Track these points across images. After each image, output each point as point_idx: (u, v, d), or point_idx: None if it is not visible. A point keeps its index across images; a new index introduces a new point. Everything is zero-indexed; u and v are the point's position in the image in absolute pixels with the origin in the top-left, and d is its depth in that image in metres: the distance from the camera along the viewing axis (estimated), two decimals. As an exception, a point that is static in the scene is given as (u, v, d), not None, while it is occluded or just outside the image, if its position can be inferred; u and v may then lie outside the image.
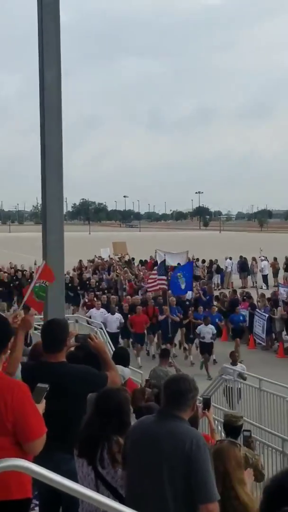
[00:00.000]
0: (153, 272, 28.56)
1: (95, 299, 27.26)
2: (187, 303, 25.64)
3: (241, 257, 43.02)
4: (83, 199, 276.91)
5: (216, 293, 30.67)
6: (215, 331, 22.48)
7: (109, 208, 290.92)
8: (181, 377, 4.69)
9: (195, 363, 22.67)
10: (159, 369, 13.32)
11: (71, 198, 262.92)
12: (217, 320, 23.94)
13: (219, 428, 9.56)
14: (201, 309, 24.82)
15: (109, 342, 18.75)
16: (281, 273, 41.65)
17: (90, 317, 23.16)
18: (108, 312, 23.97)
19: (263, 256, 42.66)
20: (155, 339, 24.63)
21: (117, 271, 37.84)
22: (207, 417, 7.71)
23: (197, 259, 43.10)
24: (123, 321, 23.62)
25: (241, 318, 24.79)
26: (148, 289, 27.16)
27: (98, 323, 21.85)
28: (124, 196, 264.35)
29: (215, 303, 26.94)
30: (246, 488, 4.82)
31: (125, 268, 39.15)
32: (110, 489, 4.59)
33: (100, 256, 45.71)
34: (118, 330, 23.47)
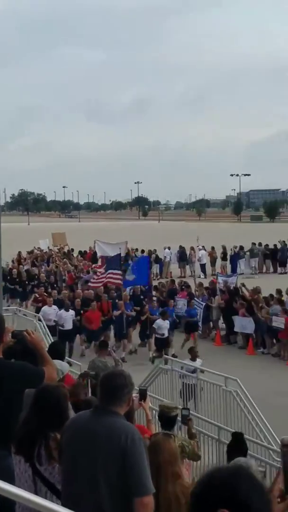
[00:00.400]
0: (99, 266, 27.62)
1: (45, 294, 26.12)
2: (141, 297, 24.57)
3: (180, 246, 43.19)
4: (22, 189, 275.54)
5: (155, 283, 30.75)
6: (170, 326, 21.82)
7: (48, 199, 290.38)
8: (117, 373, 4.73)
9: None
10: (98, 360, 13.33)
11: (9, 189, 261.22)
12: (173, 314, 23.21)
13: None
14: (155, 304, 23.77)
15: (48, 335, 18.70)
16: (219, 262, 42.04)
17: (43, 315, 21.73)
18: (61, 308, 22.81)
19: (201, 246, 42.99)
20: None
21: (57, 262, 37.65)
22: (143, 408, 7.75)
23: (136, 249, 43.20)
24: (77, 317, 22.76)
25: (196, 311, 23.68)
26: (94, 284, 25.77)
27: (51, 322, 21.51)
28: (63, 187, 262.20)
29: (154, 292, 26.96)
30: (182, 480, 4.88)
31: (65, 259, 39.00)
32: (48, 486, 4.59)
33: (39, 248, 45.34)
34: (71, 327, 22.28)
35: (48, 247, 45.33)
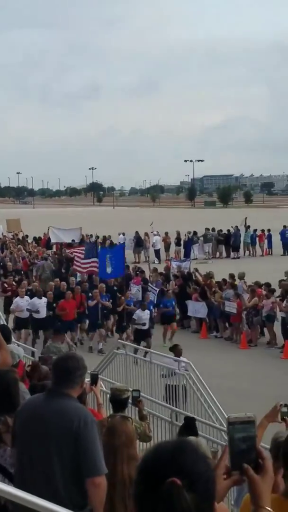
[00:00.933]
0: (78, 252, 26.37)
1: (13, 283, 24.67)
2: (115, 288, 23.29)
3: (136, 232, 43.13)
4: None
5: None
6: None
7: (2, 185, 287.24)
8: (70, 356, 4.75)
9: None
10: (52, 346, 13.34)
11: None
12: (151, 306, 22.02)
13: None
14: (128, 295, 22.66)
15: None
16: (173, 247, 42.17)
17: (15, 307, 21.36)
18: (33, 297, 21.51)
19: (156, 231, 43.06)
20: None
21: (11, 249, 37.39)
22: (94, 392, 7.80)
23: (91, 235, 43.02)
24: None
25: (173, 303, 22.66)
26: (78, 268, 25.11)
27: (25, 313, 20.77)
28: (17, 173, 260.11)
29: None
30: (137, 462, 4.94)
31: (19, 246, 38.75)
32: (0, 469, 4.61)
33: (-6, 234, 45.00)
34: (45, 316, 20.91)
35: (2, 233, 44.96)
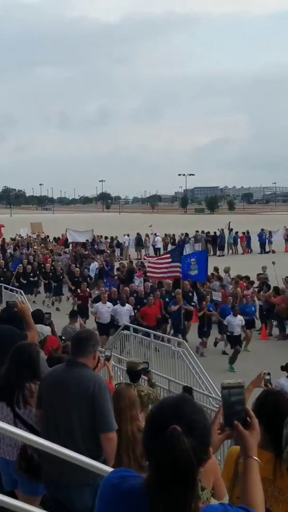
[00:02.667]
0: (161, 258, 21.67)
1: (87, 290, 21.92)
2: (190, 294, 20.44)
3: (137, 233, 43.19)
4: (5, 186, 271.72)
5: (116, 264, 30.76)
6: (243, 323, 17.14)
7: (27, 194, 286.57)
8: (83, 330, 4.79)
9: (207, 356, 17.15)
10: (69, 327, 13.34)
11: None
12: (252, 309, 18.87)
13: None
14: (208, 299, 19.04)
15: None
16: (170, 246, 42.28)
17: (95, 311, 18.48)
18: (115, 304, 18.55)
19: (157, 233, 43.22)
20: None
21: (35, 247, 37.40)
22: (107, 366, 7.89)
23: (101, 236, 43.08)
24: (132, 313, 18.19)
25: (252, 309, 19.04)
26: (152, 275, 20.83)
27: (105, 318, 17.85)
28: (40, 184, 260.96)
29: (116, 272, 26.95)
30: (138, 421, 4.93)
31: (42, 244, 38.82)
32: (26, 426, 4.60)
33: (20, 235, 45.00)
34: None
35: (27, 234, 45.05)
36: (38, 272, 26.67)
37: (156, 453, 1.78)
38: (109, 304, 18.26)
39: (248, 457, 2.11)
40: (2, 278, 24.84)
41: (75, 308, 19.98)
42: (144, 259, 26.60)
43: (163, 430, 1.77)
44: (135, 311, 18.43)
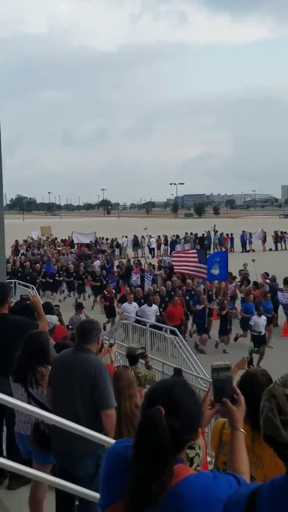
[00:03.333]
0: (188, 253, 20.38)
1: (113, 291, 20.35)
2: (210, 293, 18.79)
3: (134, 235, 43.18)
4: (18, 195, 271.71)
5: (116, 262, 30.74)
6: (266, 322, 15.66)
7: (38, 201, 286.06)
8: (88, 321, 4.79)
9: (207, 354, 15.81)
10: (75, 317, 13.32)
11: (9, 194, 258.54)
12: (271, 306, 17.32)
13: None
14: (228, 298, 18.19)
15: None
16: (163, 246, 42.34)
17: (123, 311, 17.04)
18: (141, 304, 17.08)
19: (151, 235, 43.24)
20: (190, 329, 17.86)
21: (44, 248, 37.38)
22: (109, 352, 7.91)
23: (102, 238, 43.08)
24: (159, 313, 16.73)
25: (271, 305, 17.55)
26: (178, 268, 19.50)
27: (133, 317, 16.16)
28: (48, 193, 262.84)
29: (116, 269, 26.91)
30: (136, 399, 4.95)
31: (51, 245, 38.82)
32: (38, 404, 4.61)
33: (31, 237, 44.97)
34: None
35: (38, 237, 45.02)
36: (61, 272, 25.94)
37: (138, 429, 1.79)
38: (134, 304, 16.94)
39: (235, 429, 2.12)
40: (28, 277, 23.76)
41: (103, 308, 19.62)
42: (171, 256, 23.04)
43: (150, 408, 1.77)
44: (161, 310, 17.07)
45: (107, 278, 23.57)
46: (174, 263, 20.25)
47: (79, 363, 4.30)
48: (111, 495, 1.87)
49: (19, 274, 24.63)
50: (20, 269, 26.44)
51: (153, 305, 16.75)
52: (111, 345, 7.96)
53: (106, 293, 19.93)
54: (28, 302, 6.49)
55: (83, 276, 24.39)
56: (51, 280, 25.09)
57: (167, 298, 18.02)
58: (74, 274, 24.57)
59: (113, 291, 20.47)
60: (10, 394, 4.63)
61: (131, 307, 16.90)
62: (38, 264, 26.45)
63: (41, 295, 22.01)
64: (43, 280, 24.39)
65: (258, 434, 3.04)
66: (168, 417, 1.74)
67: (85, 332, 4.45)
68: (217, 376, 2.11)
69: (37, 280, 23.25)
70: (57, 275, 25.61)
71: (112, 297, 19.55)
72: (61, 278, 25.64)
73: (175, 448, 1.77)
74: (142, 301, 17.52)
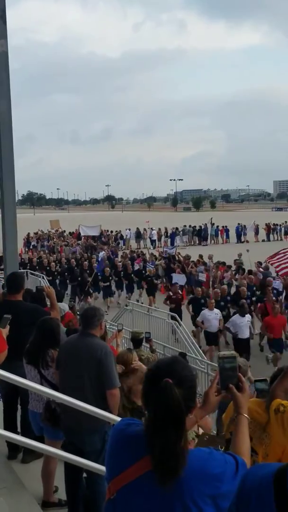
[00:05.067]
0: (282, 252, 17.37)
1: (179, 292, 16.73)
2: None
3: (137, 228, 43.15)
4: (29, 191, 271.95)
5: (120, 253, 30.74)
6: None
7: (47, 197, 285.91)
8: (90, 308, 4.80)
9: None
10: (83, 305, 13.39)
11: (21, 190, 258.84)
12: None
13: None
14: None
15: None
16: (163, 238, 42.32)
17: (202, 321, 13.66)
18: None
19: (152, 227, 43.22)
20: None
21: (54, 240, 37.37)
22: (117, 337, 7.97)
23: (107, 230, 43.05)
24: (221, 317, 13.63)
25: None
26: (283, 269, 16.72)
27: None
28: (57, 189, 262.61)
29: (120, 259, 26.85)
30: (137, 372, 4.98)
31: (60, 237, 38.82)
32: (50, 384, 4.63)
33: (41, 230, 44.98)
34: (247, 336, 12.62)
35: (48, 230, 44.99)
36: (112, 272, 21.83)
37: (153, 401, 1.79)
38: (216, 310, 13.69)
39: (239, 414, 2.11)
40: (79, 279, 20.64)
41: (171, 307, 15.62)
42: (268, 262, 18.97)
43: (158, 383, 1.79)
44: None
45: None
46: (274, 264, 17.63)
47: (85, 347, 4.31)
48: (117, 468, 1.89)
49: (79, 278, 20.87)
50: (57, 268, 23.29)
51: (246, 315, 12.82)
52: (119, 331, 8.03)
53: (171, 294, 16.50)
54: (44, 292, 6.51)
55: (131, 275, 21.58)
56: (107, 283, 20.49)
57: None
58: (122, 273, 21.74)
59: (179, 291, 16.84)
60: (24, 376, 4.66)
61: (212, 314, 13.61)
62: (86, 262, 23.13)
63: (90, 299, 19.89)
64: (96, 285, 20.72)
65: (277, 416, 2.97)
66: (177, 387, 1.78)
67: (88, 319, 4.45)
68: (223, 364, 2.12)
69: (88, 284, 19.89)
70: (110, 278, 21.01)
71: (179, 298, 16.35)
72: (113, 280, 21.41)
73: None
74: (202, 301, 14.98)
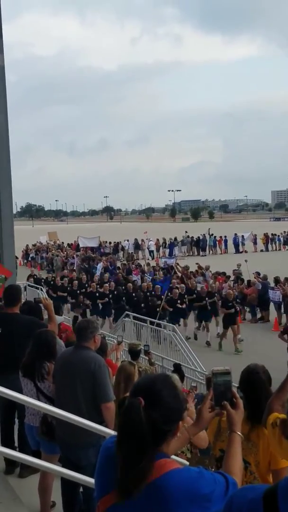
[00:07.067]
0: None
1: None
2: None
3: (135, 239, 43.17)
4: (27, 202, 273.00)
5: (118, 264, 30.72)
6: None
7: (46, 209, 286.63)
8: (83, 320, 4.78)
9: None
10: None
11: (19, 202, 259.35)
12: None
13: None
14: None
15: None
16: (161, 249, 42.32)
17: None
18: None
19: (150, 238, 43.27)
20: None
21: (52, 252, 37.36)
22: (117, 349, 7.95)
23: (106, 241, 43.07)
24: None
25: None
26: None
27: None
28: (56, 200, 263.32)
29: (118, 271, 26.79)
30: None
31: (58, 250, 38.79)
32: (46, 397, 4.60)
33: (40, 242, 44.97)
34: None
35: (46, 241, 45.03)
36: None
37: (119, 418, 1.78)
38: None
39: (232, 432, 2.06)
40: (149, 303, 17.17)
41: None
42: None
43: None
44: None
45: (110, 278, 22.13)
46: None
47: (79, 360, 4.28)
48: (104, 487, 1.85)
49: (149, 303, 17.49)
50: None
51: None
52: (119, 343, 7.97)
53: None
54: (41, 304, 6.48)
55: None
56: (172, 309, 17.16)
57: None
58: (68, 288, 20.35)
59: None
60: (21, 389, 4.63)
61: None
62: (145, 284, 20.06)
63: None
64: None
65: (256, 424, 3.11)
66: (147, 408, 1.71)
67: (82, 331, 4.42)
68: (217, 380, 2.07)
69: (158, 309, 16.78)
70: (179, 301, 17.41)
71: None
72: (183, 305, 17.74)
73: (155, 439, 1.73)
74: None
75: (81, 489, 4.34)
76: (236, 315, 16.09)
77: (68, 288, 20.52)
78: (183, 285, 19.12)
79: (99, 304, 18.62)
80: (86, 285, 20.56)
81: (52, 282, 22.12)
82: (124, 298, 18.32)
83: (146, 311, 16.60)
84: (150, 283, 20.21)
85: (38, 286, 20.59)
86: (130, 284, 19.47)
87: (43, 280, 22.87)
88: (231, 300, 15.98)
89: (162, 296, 17.36)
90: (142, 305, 17.31)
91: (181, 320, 17.50)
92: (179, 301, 17.42)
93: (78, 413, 3.84)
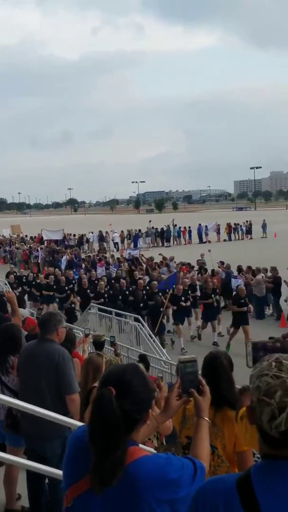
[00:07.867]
0: None
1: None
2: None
3: (100, 231, 43.02)
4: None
5: (83, 255, 30.56)
6: None
7: (8, 201, 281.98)
8: (47, 313, 4.78)
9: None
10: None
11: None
12: None
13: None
14: None
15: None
16: (126, 240, 42.31)
17: None
18: None
19: (114, 230, 43.17)
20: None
21: (15, 245, 36.88)
22: (84, 341, 7.97)
23: (70, 234, 42.74)
24: None
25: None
26: None
27: None
28: (18, 193, 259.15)
29: (82, 263, 26.67)
30: None
31: (21, 243, 38.32)
32: (11, 391, 4.59)
33: (3, 235, 44.32)
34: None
35: (9, 234, 44.41)
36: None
37: (91, 408, 1.79)
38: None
39: (200, 418, 2.10)
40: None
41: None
42: None
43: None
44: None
45: (74, 271, 21.89)
46: None
47: (43, 353, 4.28)
48: (73, 476, 1.87)
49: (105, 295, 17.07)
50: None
51: None
52: (86, 335, 8.00)
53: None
54: (4, 297, 6.43)
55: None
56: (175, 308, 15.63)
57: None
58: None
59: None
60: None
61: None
62: (141, 281, 17.73)
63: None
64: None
65: (219, 409, 3.25)
66: (119, 397, 1.74)
67: (45, 324, 4.42)
68: (184, 368, 2.11)
69: (162, 308, 15.22)
70: (182, 298, 15.62)
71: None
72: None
73: (127, 427, 1.76)
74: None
75: (46, 481, 4.35)
76: (246, 314, 14.38)
77: (55, 287, 19.16)
78: (147, 277, 19.11)
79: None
80: (73, 281, 19.68)
81: (34, 282, 20.43)
82: (120, 297, 16.73)
83: (148, 311, 15.29)
84: (144, 279, 18.27)
85: (4, 281, 20.06)
86: (123, 281, 17.60)
87: (24, 278, 21.34)
88: (243, 296, 14.32)
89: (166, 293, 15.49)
90: (141, 305, 15.78)
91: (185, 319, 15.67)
92: (183, 298, 15.40)
93: (42, 405, 3.84)
